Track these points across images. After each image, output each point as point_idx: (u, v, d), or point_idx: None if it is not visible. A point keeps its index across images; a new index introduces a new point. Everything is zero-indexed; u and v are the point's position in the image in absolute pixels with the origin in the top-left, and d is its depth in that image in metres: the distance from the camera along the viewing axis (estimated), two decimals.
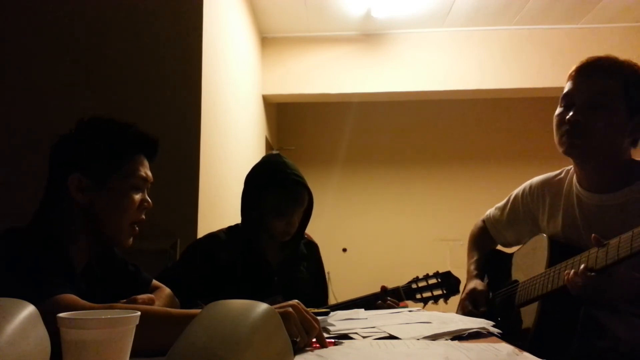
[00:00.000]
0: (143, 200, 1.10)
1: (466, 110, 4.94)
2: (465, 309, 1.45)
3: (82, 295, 0.92)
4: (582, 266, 1.06)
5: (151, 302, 1.05)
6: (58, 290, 0.87)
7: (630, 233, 0.98)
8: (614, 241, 1.02)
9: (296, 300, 0.95)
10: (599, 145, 1.19)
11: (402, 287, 1.58)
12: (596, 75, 1.21)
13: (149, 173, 1.12)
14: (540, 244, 1.34)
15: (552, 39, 4.02)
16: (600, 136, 1.17)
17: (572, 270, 1.09)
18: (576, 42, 4.01)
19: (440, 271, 1.60)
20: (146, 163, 1.13)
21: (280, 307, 0.88)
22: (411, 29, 4.09)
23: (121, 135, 1.09)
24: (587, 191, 1.25)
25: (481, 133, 5.02)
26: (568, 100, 1.24)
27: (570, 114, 1.20)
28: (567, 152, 1.26)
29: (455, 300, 1.58)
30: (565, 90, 1.26)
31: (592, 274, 1.05)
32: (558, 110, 1.27)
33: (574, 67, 1.26)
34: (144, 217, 1.12)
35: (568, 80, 1.27)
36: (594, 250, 1.07)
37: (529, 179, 1.50)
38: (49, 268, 0.93)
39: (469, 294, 1.46)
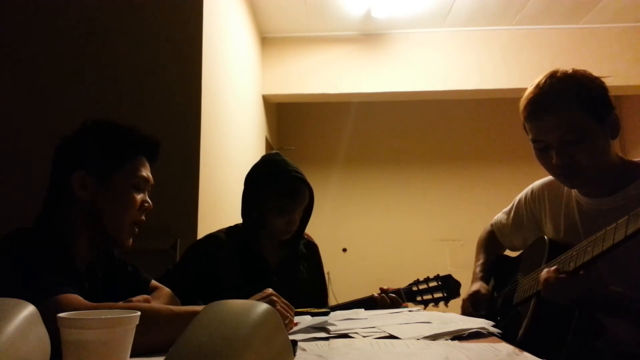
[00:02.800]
0: (144, 200, 1.12)
1: (466, 110, 4.95)
2: (465, 311, 1.45)
3: (86, 295, 0.92)
4: (553, 267, 1.10)
5: (146, 302, 1.06)
6: (59, 290, 0.88)
7: (594, 235, 1.03)
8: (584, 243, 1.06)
9: (269, 289, 1.12)
10: (595, 169, 1.18)
11: (403, 289, 1.58)
12: (553, 113, 1.17)
13: (150, 175, 1.15)
14: (540, 244, 1.35)
15: (552, 39, 4.02)
16: (591, 162, 1.17)
17: (545, 270, 1.13)
18: (576, 42, 4.01)
19: (441, 274, 1.60)
20: (147, 165, 1.15)
21: (262, 298, 1.05)
22: (411, 29, 4.09)
23: (123, 136, 1.12)
24: (585, 197, 1.26)
25: (481, 133, 5.02)
26: (540, 143, 1.22)
27: (554, 158, 1.18)
28: (570, 187, 1.29)
29: (455, 303, 1.58)
30: (531, 135, 1.24)
31: (562, 275, 1.08)
32: (535, 152, 1.25)
33: (523, 105, 1.23)
34: (143, 218, 1.13)
35: (524, 119, 1.25)
36: (576, 249, 1.10)
37: (529, 179, 1.51)
38: (52, 267, 0.93)
39: (471, 295, 1.47)
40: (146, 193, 1.14)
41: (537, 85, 1.22)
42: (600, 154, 1.17)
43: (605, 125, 1.17)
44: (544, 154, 1.22)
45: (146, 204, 1.12)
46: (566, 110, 1.16)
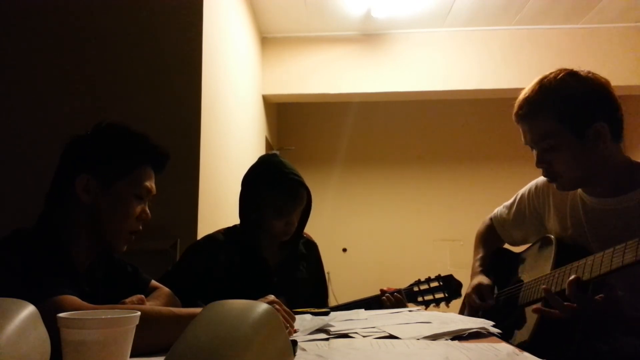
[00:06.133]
0: (142, 211, 1.11)
1: (466, 110, 4.94)
2: (471, 303, 1.44)
3: (86, 297, 0.93)
4: (571, 277, 1.06)
5: (140, 302, 1.06)
6: (59, 291, 0.88)
7: (612, 249, 1.00)
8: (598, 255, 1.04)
9: (271, 296, 1.10)
10: (576, 175, 1.20)
11: (404, 289, 1.58)
12: (531, 119, 1.22)
13: (153, 186, 1.14)
14: (547, 244, 1.33)
15: (552, 39, 4.02)
16: (570, 170, 1.19)
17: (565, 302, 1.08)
18: (576, 42, 4.00)
19: (442, 274, 1.60)
20: (152, 175, 1.14)
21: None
22: (411, 29, 4.09)
23: (133, 144, 1.11)
24: (590, 196, 1.25)
25: (481, 133, 5.02)
26: (529, 146, 1.28)
27: (535, 160, 1.24)
28: (557, 189, 1.31)
29: (456, 303, 1.58)
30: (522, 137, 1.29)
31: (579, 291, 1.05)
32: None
33: (514, 108, 1.28)
34: (141, 227, 1.13)
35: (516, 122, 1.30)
36: (591, 258, 1.07)
37: (529, 179, 1.50)
38: (51, 269, 0.93)
39: (475, 288, 1.45)
40: (147, 203, 1.14)
41: (525, 91, 1.26)
42: (577, 165, 1.18)
43: (585, 137, 1.17)
44: (536, 156, 1.27)
45: (144, 215, 1.12)
46: (541, 119, 1.20)
